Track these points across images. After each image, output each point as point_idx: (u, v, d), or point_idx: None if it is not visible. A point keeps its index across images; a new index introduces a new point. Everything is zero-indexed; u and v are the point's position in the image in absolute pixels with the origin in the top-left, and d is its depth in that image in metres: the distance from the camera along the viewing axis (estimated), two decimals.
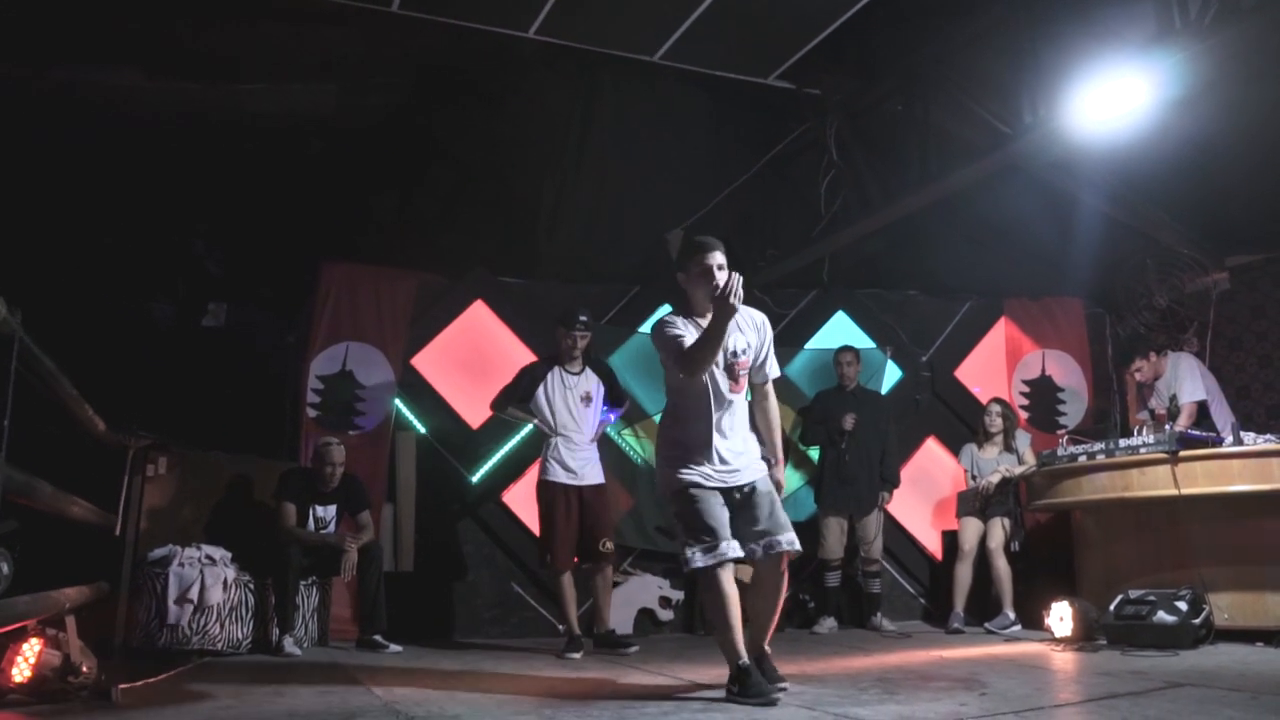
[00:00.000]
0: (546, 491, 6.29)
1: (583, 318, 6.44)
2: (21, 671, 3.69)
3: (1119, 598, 5.72)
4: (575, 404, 6.40)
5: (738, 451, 4.20)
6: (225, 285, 7.81)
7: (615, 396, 6.70)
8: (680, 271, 4.22)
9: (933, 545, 8.09)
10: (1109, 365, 8.79)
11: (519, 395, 6.44)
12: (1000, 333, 8.62)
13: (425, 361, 7.45)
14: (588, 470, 6.38)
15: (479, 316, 7.60)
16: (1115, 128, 5.55)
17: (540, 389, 6.39)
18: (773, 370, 4.44)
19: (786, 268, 7.66)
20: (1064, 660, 5.24)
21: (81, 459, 5.30)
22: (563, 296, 7.68)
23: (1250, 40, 4.71)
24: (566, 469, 6.30)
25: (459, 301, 7.59)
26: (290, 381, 7.39)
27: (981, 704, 3.69)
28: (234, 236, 7.67)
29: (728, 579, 3.95)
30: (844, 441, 7.24)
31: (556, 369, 6.45)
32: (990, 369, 8.52)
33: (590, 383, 6.50)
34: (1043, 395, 8.45)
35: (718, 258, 4.08)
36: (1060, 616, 5.95)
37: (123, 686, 4.06)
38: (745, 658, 3.89)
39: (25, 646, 3.71)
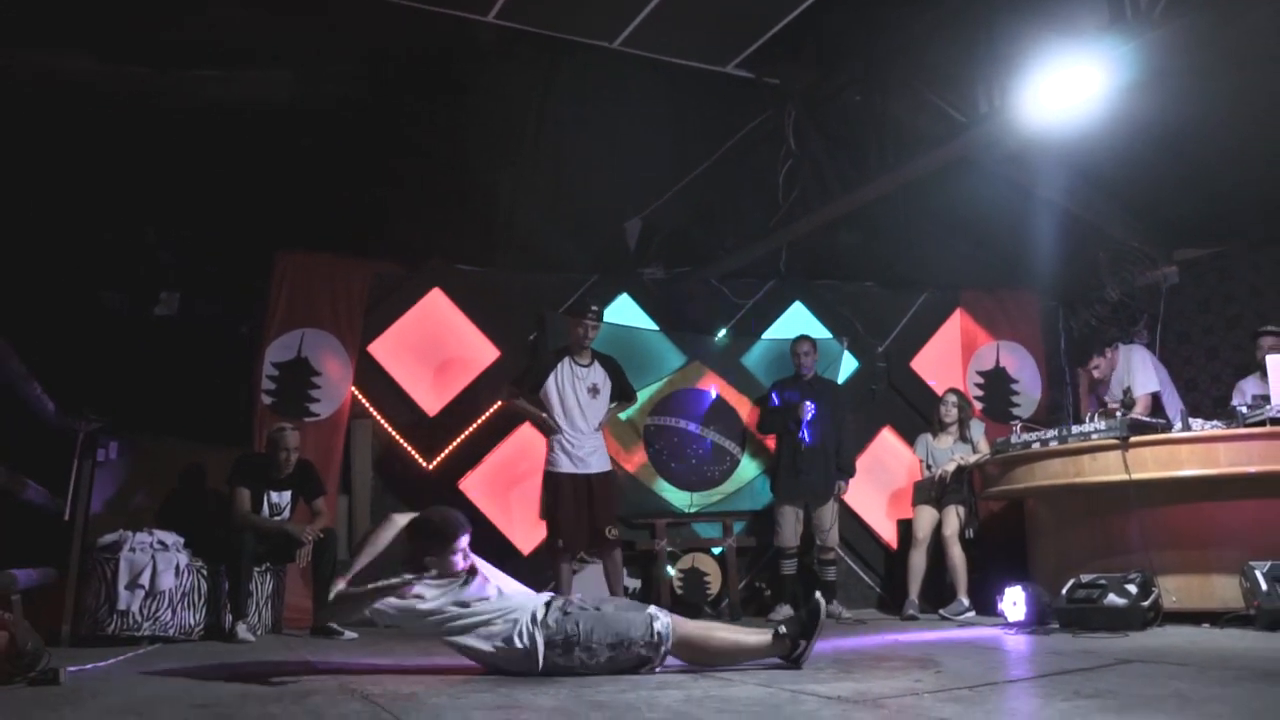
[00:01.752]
0: (553, 482, 6.53)
1: (594, 307, 6.73)
2: None
3: (1070, 582, 5.78)
4: (583, 394, 6.59)
5: None
6: (178, 274, 7.69)
7: (622, 391, 6.87)
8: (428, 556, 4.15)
9: (888, 534, 8.15)
10: (1062, 358, 8.91)
11: (530, 385, 6.64)
12: (955, 324, 8.71)
13: (382, 349, 7.42)
14: (594, 459, 6.60)
15: (436, 304, 7.57)
16: (1068, 118, 5.62)
17: (551, 378, 6.60)
18: None
19: (744, 257, 7.69)
20: (1017, 642, 5.28)
21: (29, 442, 5.22)
22: (521, 285, 7.70)
23: (1199, 34, 4.82)
24: (573, 458, 6.53)
25: (416, 289, 7.57)
26: (244, 369, 7.31)
27: (937, 680, 3.71)
28: (187, 225, 7.56)
29: None
30: (800, 430, 7.27)
31: (567, 359, 6.65)
32: (945, 360, 8.60)
33: (598, 375, 6.71)
34: (997, 386, 8.55)
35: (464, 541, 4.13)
36: (1013, 601, 5.97)
37: (71, 669, 4.00)
38: None
39: None
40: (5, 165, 6.64)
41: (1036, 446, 6.31)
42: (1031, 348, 8.75)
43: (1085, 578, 5.75)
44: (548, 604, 4.03)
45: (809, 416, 7.23)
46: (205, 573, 5.85)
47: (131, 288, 7.67)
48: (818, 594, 4.04)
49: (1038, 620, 5.79)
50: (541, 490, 6.60)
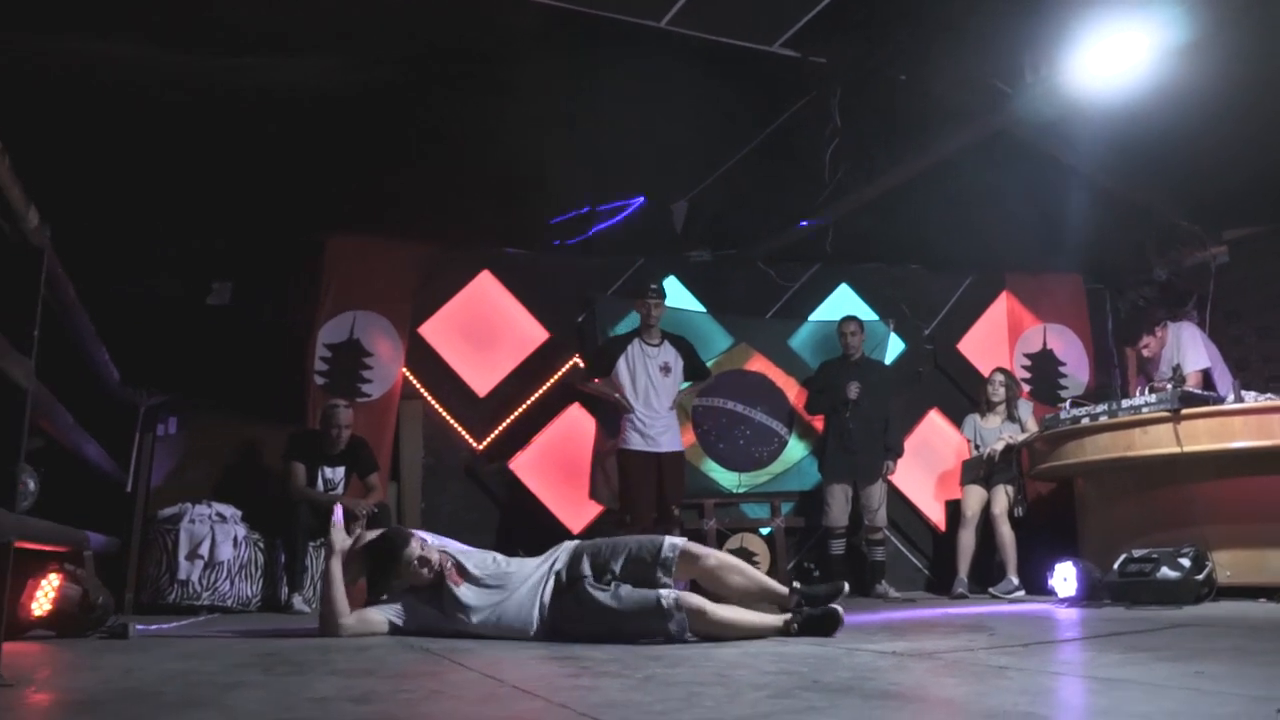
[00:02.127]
0: (624, 459, 6.80)
1: (653, 285, 6.98)
2: (41, 605, 3.73)
3: (1122, 556, 5.73)
4: (655, 374, 6.80)
5: None
6: (230, 263, 7.80)
7: (695, 370, 7.08)
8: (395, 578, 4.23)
9: (936, 516, 8.14)
10: (1109, 340, 8.85)
11: (602, 369, 6.92)
12: (1002, 307, 8.68)
13: (432, 331, 7.50)
14: (665, 438, 6.81)
15: (485, 286, 7.65)
16: (1116, 84, 5.59)
17: (622, 360, 6.84)
18: None
19: (790, 239, 7.70)
20: (1068, 614, 5.27)
21: (94, 412, 5.33)
22: (569, 267, 7.76)
23: None
24: (645, 437, 6.75)
25: (465, 271, 7.65)
26: (297, 352, 7.41)
27: (989, 640, 3.73)
28: (237, 214, 7.66)
29: None
30: (848, 411, 7.28)
31: (637, 341, 6.89)
32: (992, 342, 8.57)
33: (669, 354, 6.92)
34: (1044, 369, 8.50)
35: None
36: (1064, 577, 5.94)
37: (140, 627, 4.11)
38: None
39: (45, 581, 3.76)
40: (59, 156, 6.78)
41: (1086, 422, 6.27)
42: (1078, 330, 8.70)
43: (1137, 552, 5.71)
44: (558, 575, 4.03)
45: (854, 396, 7.23)
46: (262, 545, 5.97)
47: (185, 277, 7.80)
48: (837, 608, 3.87)
49: (1088, 595, 5.76)
50: (618, 468, 6.89)
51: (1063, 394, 8.40)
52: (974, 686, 2.51)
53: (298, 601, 5.80)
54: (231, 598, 5.75)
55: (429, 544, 4.16)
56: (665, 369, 6.86)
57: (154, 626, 4.44)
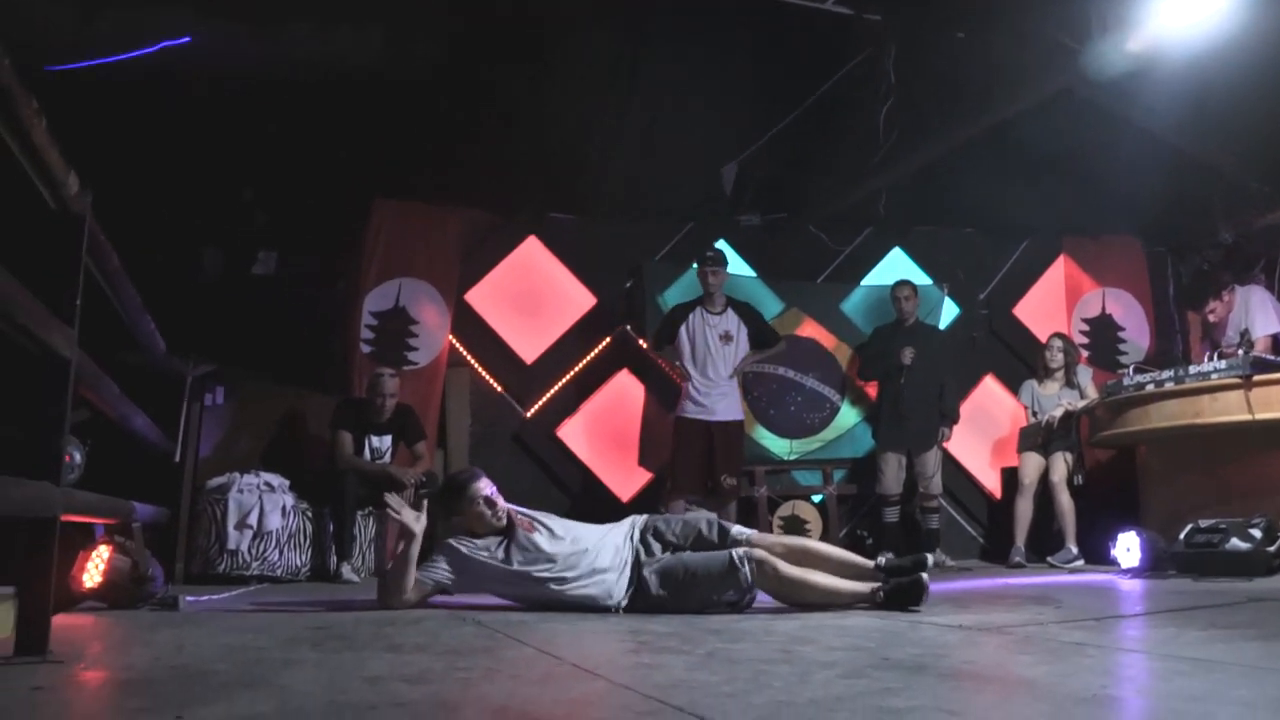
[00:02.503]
0: (677, 425, 6.79)
1: (709, 253, 6.92)
2: (92, 577, 3.70)
3: (1189, 527, 5.56)
4: (714, 342, 6.73)
5: None
6: (275, 233, 7.76)
7: (763, 337, 6.98)
8: (456, 515, 4.11)
9: (991, 484, 7.98)
10: (1171, 305, 8.61)
11: (664, 338, 6.90)
12: (1059, 271, 8.46)
13: (479, 297, 7.42)
14: (720, 406, 6.74)
15: (532, 252, 7.55)
16: (1188, 39, 5.37)
17: (683, 328, 6.80)
18: None
19: (843, 201, 7.53)
20: (1133, 586, 5.12)
21: (141, 382, 5.31)
22: (616, 234, 7.64)
23: None
24: (697, 404, 6.71)
25: (512, 237, 7.55)
26: (342, 320, 7.38)
27: (1058, 613, 3.60)
28: (283, 184, 7.60)
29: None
30: (902, 377, 7.12)
31: (699, 309, 6.83)
32: (1049, 307, 8.37)
33: (731, 322, 6.84)
34: (1103, 334, 8.29)
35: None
36: (1126, 547, 5.81)
37: (189, 599, 4.07)
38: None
39: (95, 553, 3.72)
40: (107, 131, 6.74)
41: (1151, 388, 6.08)
42: (1138, 295, 8.46)
43: (1204, 523, 5.53)
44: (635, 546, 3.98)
45: (909, 362, 7.08)
46: (310, 515, 5.92)
47: (230, 247, 7.77)
48: (924, 576, 3.73)
49: (1152, 566, 5.61)
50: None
51: (1122, 360, 8.19)
52: (1052, 666, 2.39)
53: (347, 571, 5.76)
54: (281, 567, 5.71)
55: (497, 492, 4.08)
56: (726, 337, 6.78)
57: (204, 598, 4.40)
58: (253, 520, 5.58)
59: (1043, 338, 8.01)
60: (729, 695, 1.98)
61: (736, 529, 3.99)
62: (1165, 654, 2.59)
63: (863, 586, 3.73)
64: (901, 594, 3.66)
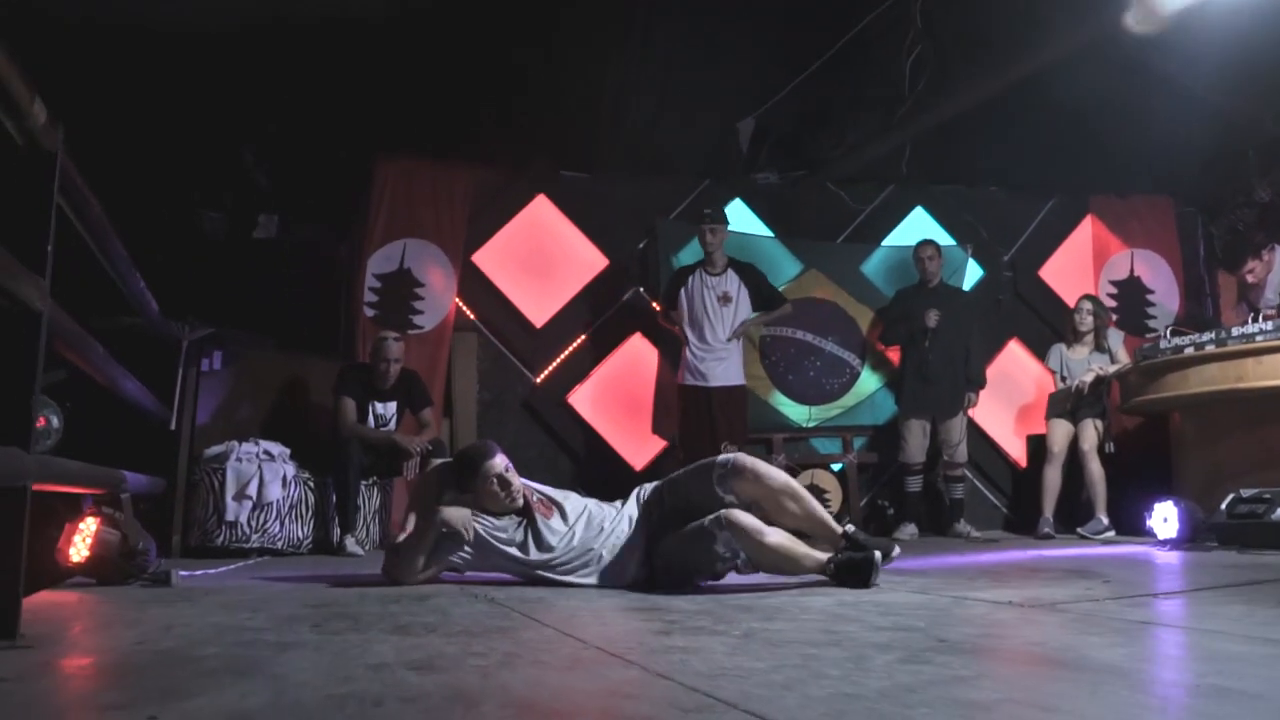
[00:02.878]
0: (680, 395, 6.63)
1: (707, 210, 6.63)
2: (79, 550, 3.45)
3: (1230, 496, 5.34)
4: (712, 304, 6.47)
5: None
6: (277, 197, 7.51)
7: (765, 298, 6.70)
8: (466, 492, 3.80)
9: (1016, 452, 7.73)
10: (1201, 267, 8.34)
11: (668, 303, 6.68)
12: (1086, 231, 8.18)
13: (486, 258, 7.16)
14: (718, 371, 6.49)
15: (542, 211, 7.27)
16: None
17: (682, 290, 6.56)
18: None
19: (865, 157, 7.23)
20: (1169, 557, 4.88)
21: (133, 346, 5.07)
22: (629, 192, 7.37)
23: None
24: (695, 373, 6.53)
25: (520, 196, 7.28)
26: (345, 284, 7.13)
27: (1108, 589, 3.35)
28: (284, 145, 7.34)
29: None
30: (926, 340, 6.86)
31: (699, 270, 6.56)
32: (1076, 269, 8.10)
33: (731, 283, 6.55)
34: (1131, 297, 8.02)
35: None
36: (1163, 517, 5.58)
37: (184, 574, 3.84)
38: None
39: (82, 525, 3.48)
40: (105, 90, 6.47)
41: (1190, 351, 5.82)
42: (1168, 256, 8.19)
43: (1246, 492, 5.32)
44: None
45: (934, 325, 6.81)
46: (312, 485, 5.69)
47: (230, 210, 7.53)
48: (876, 554, 3.45)
49: (1191, 537, 5.39)
50: None
51: (1150, 323, 7.95)
52: (1130, 649, 2.15)
53: (350, 543, 5.52)
54: (282, 539, 5.48)
55: (513, 470, 3.81)
56: (725, 298, 6.50)
57: (200, 572, 4.17)
58: (252, 491, 5.34)
59: (1070, 300, 7.76)
60: (783, 686, 1.73)
61: (720, 459, 3.69)
62: (1249, 635, 2.33)
63: (821, 555, 3.50)
64: (849, 568, 3.40)
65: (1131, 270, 8.11)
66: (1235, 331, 5.65)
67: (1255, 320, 5.73)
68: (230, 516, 5.31)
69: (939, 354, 6.89)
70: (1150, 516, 5.62)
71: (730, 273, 6.58)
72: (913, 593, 3.33)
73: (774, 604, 2.97)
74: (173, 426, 5.40)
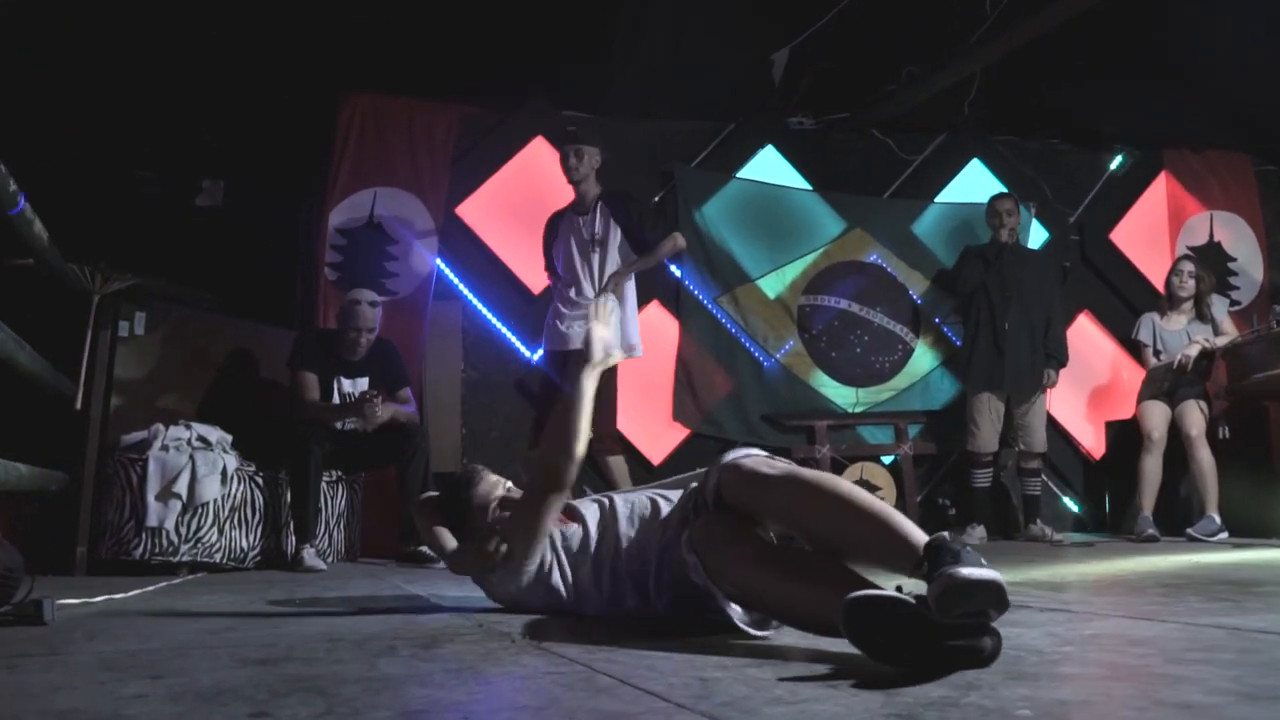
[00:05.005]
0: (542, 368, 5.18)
1: (570, 127, 5.03)
2: None
3: None
4: (575, 250, 4.98)
5: None
6: (224, 156, 6.34)
7: (635, 238, 5.01)
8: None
9: (1089, 442, 6.68)
10: None
11: (545, 256, 5.23)
12: (1160, 190, 7.15)
13: (473, 211, 6.00)
14: (575, 332, 4.86)
15: (539, 156, 6.11)
16: None
17: (552, 236, 5.16)
18: None
19: (924, 94, 6.12)
20: None
21: (23, 304, 3.89)
22: (642, 134, 6.31)
23: None
24: (553, 335, 5.03)
25: (515, 138, 6.13)
26: (305, 243, 5.96)
27: None
28: (231, 98, 6.15)
29: None
30: (1011, 296, 5.87)
31: (567, 212, 5.08)
32: (1150, 232, 7.08)
33: (599, 223, 4.98)
34: (1211, 265, 6.95)
35: None
36: None
37: (62, 601, 2.65)
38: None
39: None
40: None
41: None
42: (1250, 220, 7.19)
43: None
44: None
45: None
46: (261, 481, 4.49)
47: (169, 173, 6.37)
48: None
49: None
50: None
51: (1233, 294, 6.92)
52: None
53: (309, 555, 4.33)
54: (221, 550, 4.26)
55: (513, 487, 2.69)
56: (593, 242, 4.95)
57: (101, 598, 2.97)
58: (181, 488, 4.13)
59: (1144, 267, 6.84)
60: None
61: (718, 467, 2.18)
62: None
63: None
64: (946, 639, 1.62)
65: (1211, 234, 7.10)
66: None
67: None
68: (152, 521, 4.08)
69: (1017, 319, 5.84)
70: None
71: (598, 213, 5.01)
72: (1135, 619, 2.24)
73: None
74: (78, 405, 4.16)
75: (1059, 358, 5.93)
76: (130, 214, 6.05)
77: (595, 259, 4.94)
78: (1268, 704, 1.36)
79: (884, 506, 1.92)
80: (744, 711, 1.34)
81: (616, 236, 4.97)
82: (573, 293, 4.93)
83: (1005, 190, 6.35)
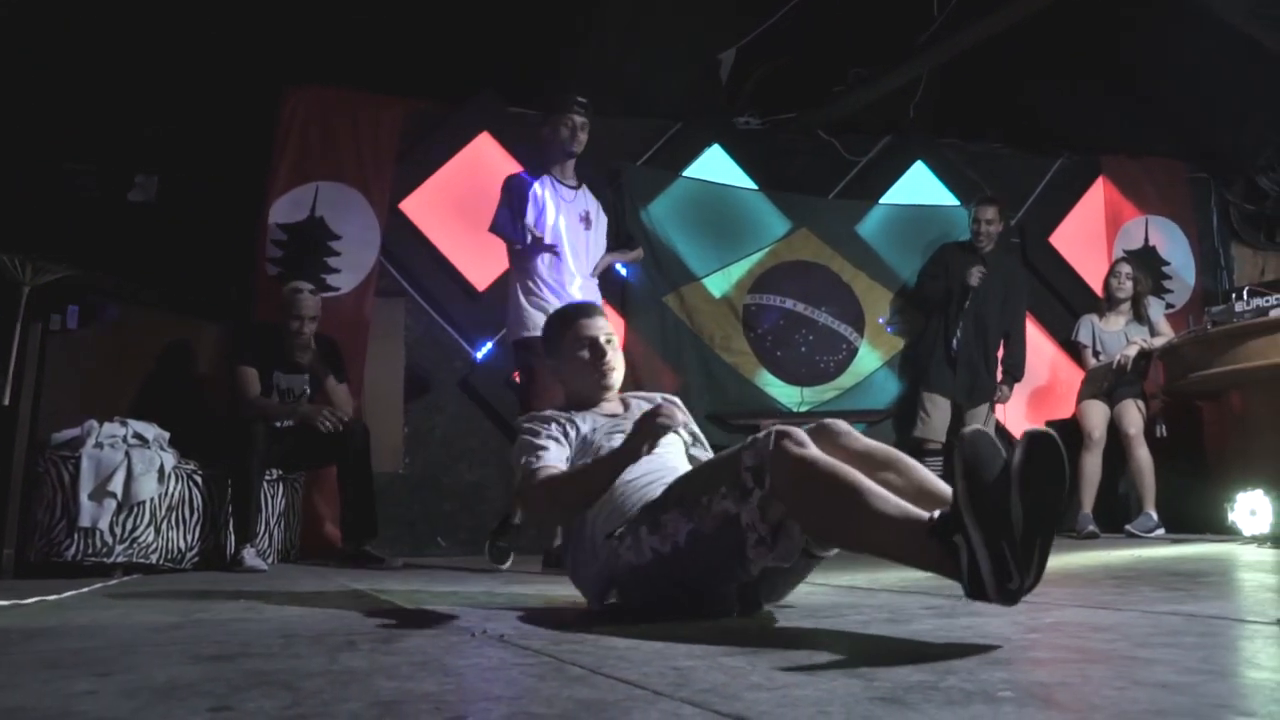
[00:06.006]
0: (515, 353, 4.56)
1: (582, 98, 4.59)
2: None
3: None
4: (575, 223, 4.58)
5: None
6: (162, 151, 6.17)
7: (618, 227, 4.83)
8: (550, 357, 2.80)
9: None
10: (1215, 237, 7.51)
11: (519, 213, 4.53)
12: (1098, 195, 7.26)
13: (417, 207, 5.91)
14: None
15: (485, 152, 6.04)
16: None
17: (530, 197, 4.54)
18: None
19: (870, 95, 6.15)
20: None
21: None
22: (590, 131, 6.16)
23: None
24: (528, 319, 4.41)
25: (460, 133, 6.04)
26: (245, 238, 5.83)
27: None
28: (171, 89, 5.99)
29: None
30: (967, 301, 5.93)
31: (547, 178, 4.61)
32: (1088, 236, 7.19)
33: (589, 202, 4.68)
34: (1147, 268, 7.08)
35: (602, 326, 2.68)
36: (1251, 510, 4.72)
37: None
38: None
39: None
40: None
41: (1279, 314, 4.88)
42: (1183, 224, 7.33)
43: None
44: None
45: (977, 284, 5.83)
46: (200, 479, 4.37)
47: (100, 166, 6.18)
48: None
49: None
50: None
51: (1167, 298, 7.05)
52: None
53: (249, 555, 4.22)
54: (158, 551, 4.14)
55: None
56: (586, 220, 4.62)
57: (31, 600, 2.85)
58: (117, 487, 4.00)
59: (1082, 270, 6.95)
60: None
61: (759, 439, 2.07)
62: None
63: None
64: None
65: (1146, 239, 7.23)
66: None
67: None
68: (85, 521, 3.95)
69: (971, 330, 5.94)
70: (1232, 509, 4.83)
71: (586, 191, 4.72)
72: (1094, 608, 2.25)
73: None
74: (6, 401, 4.02)
75: (1015, 374, 6.04)
76: (64, 206, 5.89)
77: (589, 238, 4.60)
78: (1239, 680, 1.36)
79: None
80: (725, 697, 1.30)
81: (604, 221, 4.70)
82: (558, 267, 4.45)
83: (945, 194, 6.43)
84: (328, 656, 1.74)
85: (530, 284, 4.43)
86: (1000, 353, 6.15)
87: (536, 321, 4.22)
